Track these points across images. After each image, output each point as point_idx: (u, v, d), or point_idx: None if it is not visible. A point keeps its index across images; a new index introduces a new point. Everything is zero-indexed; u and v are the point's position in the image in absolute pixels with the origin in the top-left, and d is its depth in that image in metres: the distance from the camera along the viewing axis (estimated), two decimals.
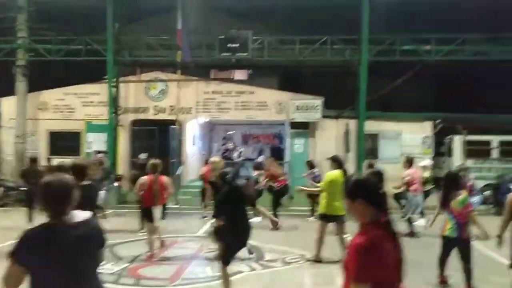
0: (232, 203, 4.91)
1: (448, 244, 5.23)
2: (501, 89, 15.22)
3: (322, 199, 6.85)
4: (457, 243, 5.15)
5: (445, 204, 5.23)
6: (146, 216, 6.99)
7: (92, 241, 2.31)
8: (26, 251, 2.14)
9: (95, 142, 14.86)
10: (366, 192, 2.17)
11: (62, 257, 2.16)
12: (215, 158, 6.33)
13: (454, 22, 13.19)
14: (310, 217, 10.43)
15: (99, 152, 13.99)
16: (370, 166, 10.36)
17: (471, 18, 13.21)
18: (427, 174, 10.07)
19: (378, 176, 3.92)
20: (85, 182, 4.36)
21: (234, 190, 4.99)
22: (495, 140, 13.89)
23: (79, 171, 4.34)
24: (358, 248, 2.05)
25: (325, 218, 6.78)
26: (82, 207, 2.36)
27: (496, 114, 14.26)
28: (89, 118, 15.17)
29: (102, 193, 9.23)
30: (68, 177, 2.38)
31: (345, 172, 6.86)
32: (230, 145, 15.93)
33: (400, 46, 13.42)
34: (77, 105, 15.29)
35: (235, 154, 15.20)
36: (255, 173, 10.92)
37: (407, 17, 12.84)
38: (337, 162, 6.99)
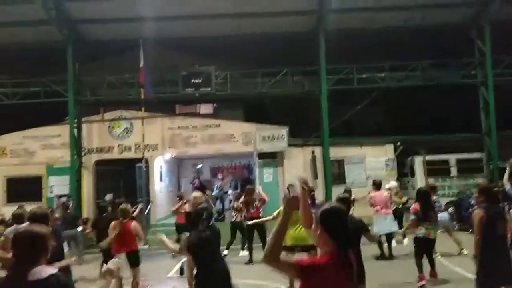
0: (203, 249, 4.45)
1: (423, 244, 6.64)
2: (452, 110, 16.20)
3: None
4: (430, 242, 6.68)
5: (425, 214, 6.60)
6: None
7: None
8: None
9: (57, 186, 14.31)
10: (328, 224, 2.25)
11: None
12: (196, 193, 6.14)
13: (405, 51, 14.09)
14: None
15: (61, 196, 13.45)
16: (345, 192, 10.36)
17: (419, 46, 14.20)
18: (397, 197, 10.09)
19: (346, 203, 4.03)
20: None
21: (207, 235, 4.50)
22: (452, 158, 14.59)
23: (38, 220, 4.07)
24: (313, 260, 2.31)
25: (290, 249, 6.29)
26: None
27: (450, 134, 15.06)
28: (50, 162, 14.66)
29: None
30: (38, 228, 2.28)
31: None
32: (199, 179, 15.74)
33: (357, 75, 14.09)
34: (36, 149, 14.77)
35: (214, 187, 15.11)
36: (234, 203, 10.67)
37: (362, 47, 13.59)
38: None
